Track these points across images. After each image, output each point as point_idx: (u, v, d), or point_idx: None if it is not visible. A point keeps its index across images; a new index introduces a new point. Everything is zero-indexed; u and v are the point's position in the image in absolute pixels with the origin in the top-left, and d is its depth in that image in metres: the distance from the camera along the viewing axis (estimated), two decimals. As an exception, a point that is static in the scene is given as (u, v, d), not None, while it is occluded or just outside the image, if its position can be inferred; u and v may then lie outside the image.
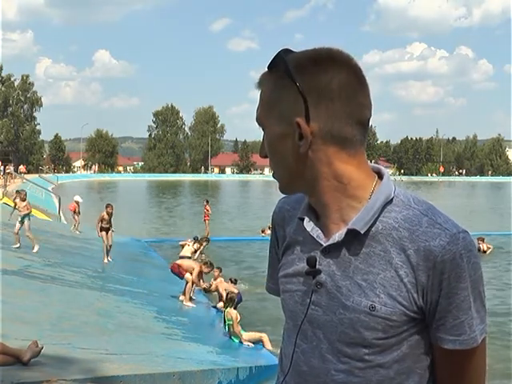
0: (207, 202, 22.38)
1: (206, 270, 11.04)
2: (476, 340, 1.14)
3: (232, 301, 8.69)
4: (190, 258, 12.57)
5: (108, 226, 13.48)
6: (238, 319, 8.54)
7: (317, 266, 1.17)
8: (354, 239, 1.14)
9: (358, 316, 1.12)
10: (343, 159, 1.15)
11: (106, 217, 13.55)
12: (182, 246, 13.41)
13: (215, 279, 12.62)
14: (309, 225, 1.20)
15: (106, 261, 13.10)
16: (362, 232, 1.13)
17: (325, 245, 1.16)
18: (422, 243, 1.10)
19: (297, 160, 1.15)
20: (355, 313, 1.12)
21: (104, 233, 13.30)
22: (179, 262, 11.38)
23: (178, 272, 10.98)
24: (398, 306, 1.11)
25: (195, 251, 13.25)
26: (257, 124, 1.20)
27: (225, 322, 8.63)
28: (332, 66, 1.13)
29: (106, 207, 13.87)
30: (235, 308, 8.75)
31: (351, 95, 1.13)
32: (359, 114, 1.15)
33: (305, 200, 1.25)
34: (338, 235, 1.15)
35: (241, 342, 8.45)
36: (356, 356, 1.14)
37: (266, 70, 1.17)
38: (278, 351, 1.36)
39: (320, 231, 1.18)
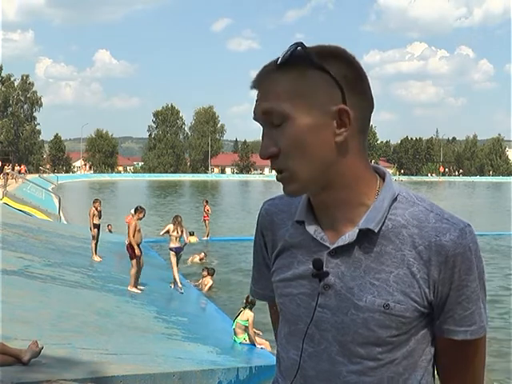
0: (207, 202, 22.37)
1: (140, 215, 10.97)
2: (485, 329, 1.17)
3: (253, 303, 8.60)
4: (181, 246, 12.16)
5: (99, 222, 13.42)
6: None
7: (324, 268, 1.15)
8: (365, 239, 1.14)
9: (372, 315, 1.12)
10: (360, 153, 1.15)
11: (96, 212, 13.44)
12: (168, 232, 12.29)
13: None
14: (311, 227, 1.18)
15: (98, 259, 13.02)
16: (376, 231, 1.13)
17: (334, 246, 1.15)
18: (433, 238, 1.12)
19: (328, 152, 1.11)
20: (369, 312, 1.12)
21: (96, 230, 13.18)
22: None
23: (131, 253, 10.70)
24: (411, 302, 1.12)
25: (180, 232, 12.14)
26: (264, 118, 1.13)
27: (235, 319, 8.58)
28: (347, 60, 1.13)
29: (94, 202, 13.71)
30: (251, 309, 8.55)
31: (367, 89, 1.15)
32: (372, 108, 1.16)
33: (295, 203, 1.24)
34: (348, 235, 1.14)
35: (253, 345, 8.41)
36: (369, 356, 1.14)
37: (279, 62, 1.11)
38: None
39: (323, 233, 1.17)
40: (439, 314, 1.16)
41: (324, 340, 1.16)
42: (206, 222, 21.29)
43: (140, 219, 11.02)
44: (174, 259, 11.78)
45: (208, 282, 12.52)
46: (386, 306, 1.11)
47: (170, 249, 11.98)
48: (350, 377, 1.15)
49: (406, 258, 1.12)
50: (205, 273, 12.74)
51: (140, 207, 11.20)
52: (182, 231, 12.09)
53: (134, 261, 10.57)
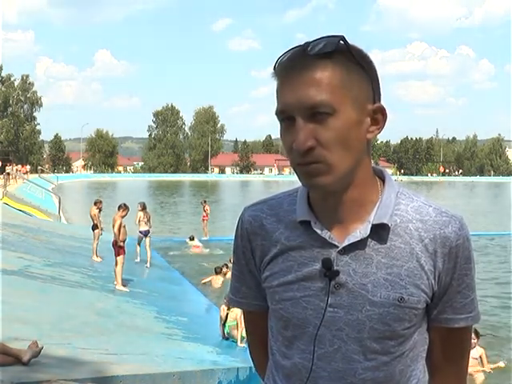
0: (205, 202, 22.32)
1: (123, 213, 11.10)
2: (480, 314, 1.22)
3: None
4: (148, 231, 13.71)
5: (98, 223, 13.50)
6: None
7: (334, 267, 1.15)
8: (375, 235, 1.15)
9: (388, 309, 1.14)
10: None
11: (97, 213, 13.51)
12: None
13: (225, 274, 12.77)
14: (317, 226, 1.17)
15: (98, 259, 13.00)
16: (390, 225, 1.15)
17: (345, 244, 1.15)
18: (437, 231, 1.15)
19: (361, 148, 1.13)
20: (384, 307, 1.13)
21: (97, 230, 13.23)
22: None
23: (116, 250, 10.74)
24: (422, 294, 1.15)
25: (147, 218, 13.95)
26: (308, 110, 1.07)
27: (225, 322, 8.54)
28: (370, 61, 1.15)
29: (96, 203, 13.73)
30: None
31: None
32: None
33: (283, 206, 1.24)
34: (360, 232, 1.15)
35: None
36: (383, 350, 1.15)
37: (322, 51, 1.08)
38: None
39: (329, 232, 1.16)
40: (437, 305, 1.18)
41: (337, 339, 1.16)
42: (205, 221, 21.17)
43: (123, 216, 11.18)
44: (138, 240, 13.93)
45: (218, 279, 12.70)
46: (401, 300, 1.14)
47: (140, 232, 13.93)
48: (365, 374, 1.16)
49: (415, 251, 1.15)
50: (219, 270, 12.90)
51: (124, 205, 11.39)
52: (148, 217, 14.00)
53: (121, 257, 10.58)
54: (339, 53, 1.08)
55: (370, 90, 1.13)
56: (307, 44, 1.10)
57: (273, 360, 1.28)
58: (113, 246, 10.91)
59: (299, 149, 1.07)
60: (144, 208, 14.11)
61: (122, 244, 10.72)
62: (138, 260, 13.79)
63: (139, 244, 13.97)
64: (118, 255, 10.62)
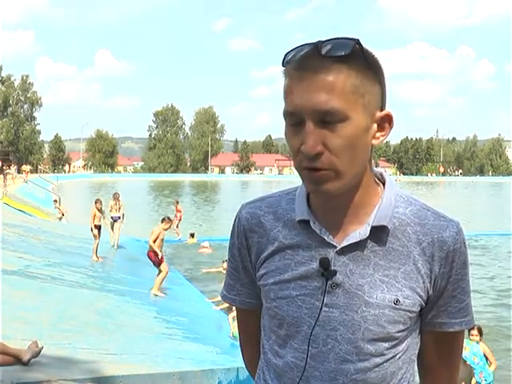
0: (177, 202, 22.19)
1: (166, 225, 11.22)
2: (474, 318, 1.23)
3: None
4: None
5: (100, 223, 13.49)
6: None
7: (332, 267, 1.15)
8: (373, 236, 1.15)
9: (383, 311, 1.14)
10: None
11: (97, 214, 13.50)
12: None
13: None
14: (316, 226, 1.17)
15: (99, 259, 12.99)
16: (390, 227, 1.15)
17: (344, 244, 1.15)
18: (436, 235, 1.15)
19: (367, 154, 1.13)
20: (379, 308, 1.13)
21: (97, 230, 13.21)
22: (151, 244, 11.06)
23: (155, 260, 10.87)
24: (417, 297, 1.15)
25: (118, 205, 15.86)
26: (319, 114, 1.05)
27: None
28: (381, 67, 1.16)
29: (95, 203, 13.81)
30: None
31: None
32: None
33: (281, 204, 1.23)
34: (359, 233, 1.15)
35: None
36: (377, 352, 1.15)
37: (336, 55, 1.05)
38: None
39: (328, 232, 1.16)
40: (431, 309, 1.18)
41: (331, 339, 1.16)
42: (176, 221, 20.90)
43: (166, 229, 11.34)
44: (110, 225, 15.49)
45: None
46: (397, 302, 1.14)
47: (111, 217, 15.54)
48: (357, 374, 1.15)
49: (412, 254, 1.15)
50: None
51: (168, 218, 11.59)
52: (119, 206, 15.87)
53: (164, 265, 10.78)
54: (354, 56, 1.06)
55: (379, 97, 1.12)
56: (320, 43, 1.07)
57: (264, 359, 1.27)
58: (148, 256, 11.01)
59: (308, 153, 1.05)
60: (117, 198, 16.01)
61: (159, 254, 10.83)
62: (112, 243, 15.44)
63: (112, 228, 15.60)
64: (160, 264, 10.79)
